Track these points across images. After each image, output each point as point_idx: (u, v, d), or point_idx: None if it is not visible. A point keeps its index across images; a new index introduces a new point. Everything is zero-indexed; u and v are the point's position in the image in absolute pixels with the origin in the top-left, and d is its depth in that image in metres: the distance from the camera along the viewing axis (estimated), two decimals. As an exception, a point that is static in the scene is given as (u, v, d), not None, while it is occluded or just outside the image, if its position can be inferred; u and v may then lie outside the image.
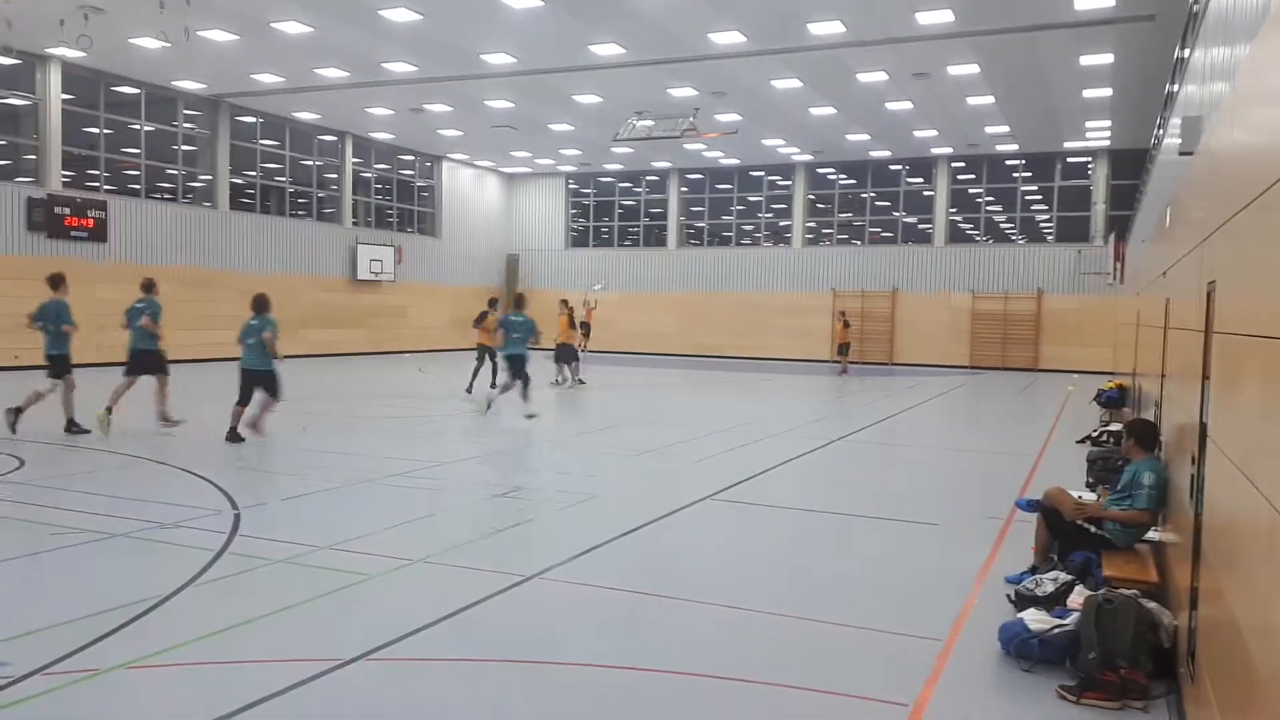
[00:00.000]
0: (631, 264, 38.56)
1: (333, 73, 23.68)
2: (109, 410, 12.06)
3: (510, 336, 15.30)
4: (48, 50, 22.55)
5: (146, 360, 12.58)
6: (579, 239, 40.37)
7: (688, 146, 32.05)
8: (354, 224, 32.92)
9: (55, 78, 23.50)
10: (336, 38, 20.45)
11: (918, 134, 29.38)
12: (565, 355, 21.49)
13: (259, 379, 11.95)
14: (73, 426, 12.06)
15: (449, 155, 36.48)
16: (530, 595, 6.04)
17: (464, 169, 38.06)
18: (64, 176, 23.94)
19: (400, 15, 18.72)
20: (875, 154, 33.35)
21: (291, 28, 19.80)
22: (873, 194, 35.47)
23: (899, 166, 34.68)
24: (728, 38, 19.74)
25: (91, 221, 24.09)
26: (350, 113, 28.71)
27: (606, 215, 40.04)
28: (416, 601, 5.84)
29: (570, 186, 40.18)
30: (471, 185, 38.69)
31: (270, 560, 6.60)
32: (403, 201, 35.74)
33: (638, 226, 39.46)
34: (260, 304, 12.11)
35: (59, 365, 12.21)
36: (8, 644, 4.86)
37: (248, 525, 7.54)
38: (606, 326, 35.99)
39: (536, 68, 22.51)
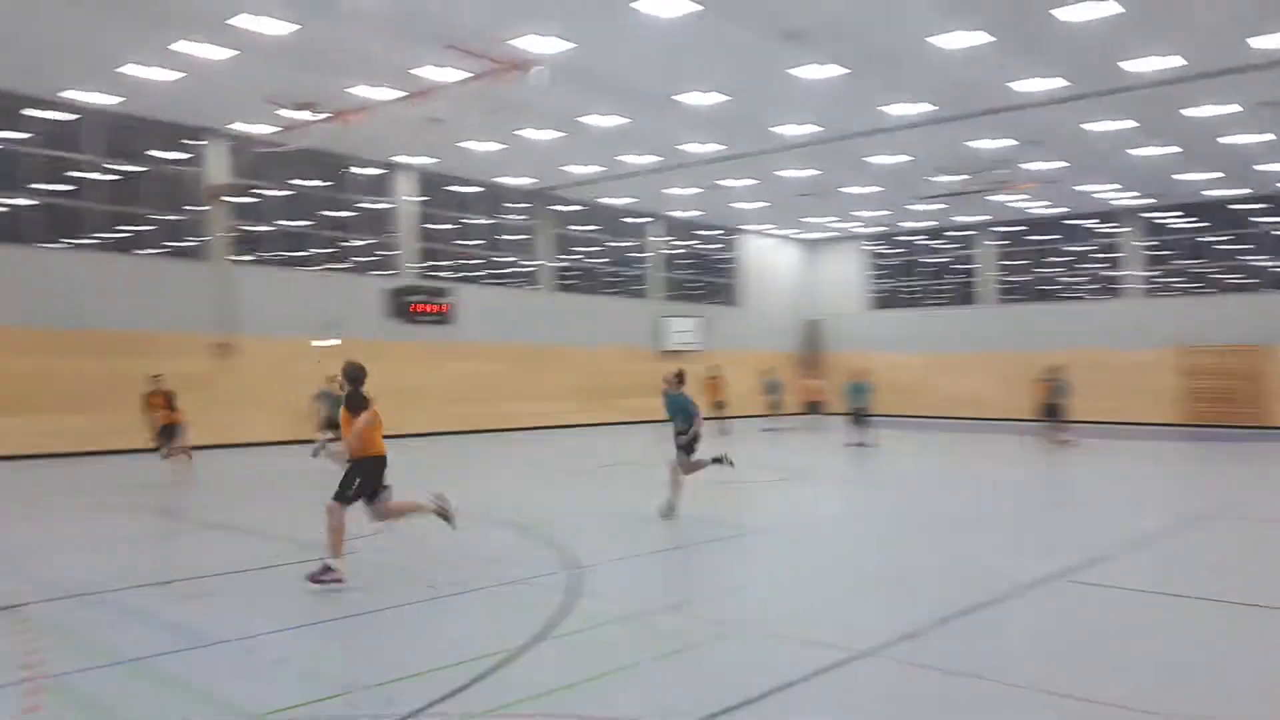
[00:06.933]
0: (939, 324, 37.12)
1: (639, 158, 25.15)
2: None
3: (858, 396, 21.77)
4: (401, 159, 25.86)
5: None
6: (881, 300, 39.58)
7: (999, 199, 30.57)
8: (660, 298, 34.48)
9: (407, 183, 26.86)
10: (644, 126, 21.74)
11: (1271, 168, 26.07)
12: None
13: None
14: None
15: (748, 226, 37.34)
16: (862, 674, 5.81)
17: (763, 239, 38.78)
18: (415, 269, 27.12)
19: (703, 99, 19.57)
20: (1217, 193, 29.96)
21: (604, 121, 21.32)
22: (1220, 237, 31.79)
23: (1253, 205, 30.83)
24: (1041, 84, 18.71)
25: (440, 307, 26.98)
26: (656, 194, 30.28)
27: (910, 275, 39.01)
28: (751, 669, 5.83)
29: (870, 248, 39.65)
30: (771, 254, 39.30)
31: (609, 619, 6.87)
32: (705, 274, 36.97)
33: (945, 285, 38.05)
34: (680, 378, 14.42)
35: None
36: (392, 685, 5.40)
37: (588, 584, 7.92)
38: (910, 391, 34.77)
39: (834, 134, 22.58)
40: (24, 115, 20.20)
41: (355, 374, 8.37)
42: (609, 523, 11.49)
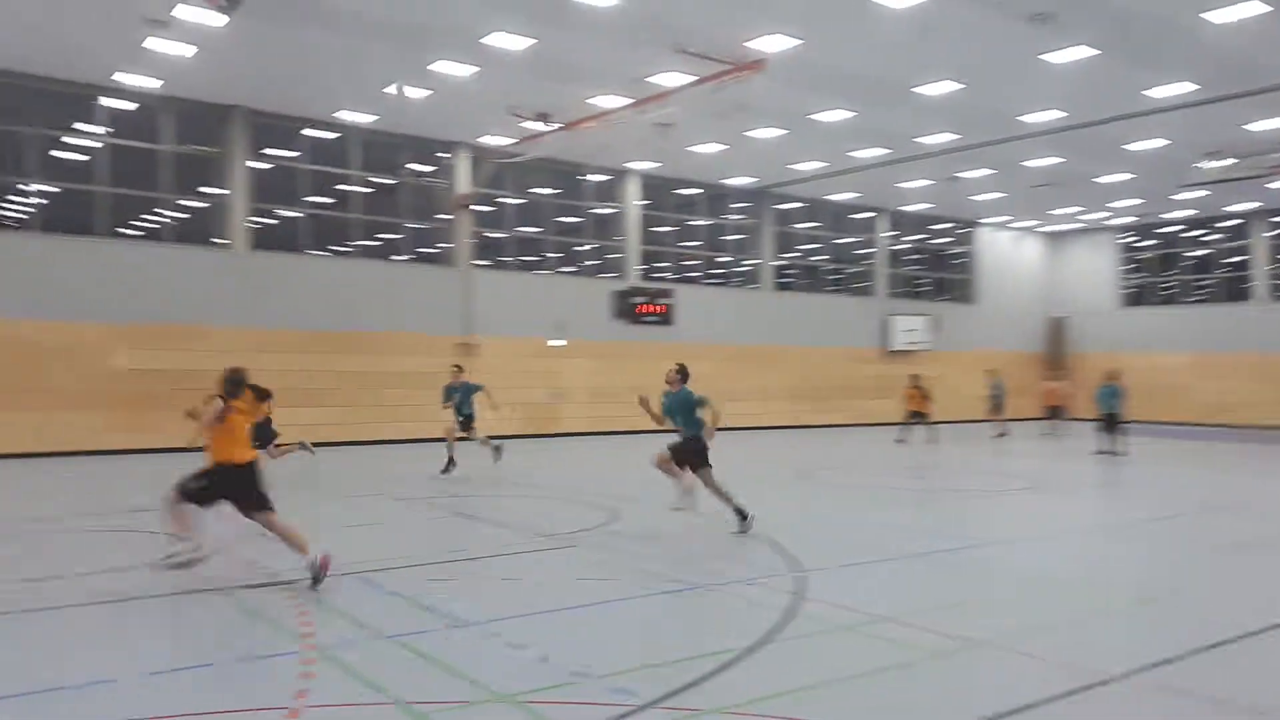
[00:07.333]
0: (1203, 322, 33.79)
1: (869, 152, 24.54)
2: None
3: (1108, 400, 20.11)
4: (629, 165, 26.56)
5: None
6: (1136, 296, 36.54)
7: (1277, 185, 27.44)
8: (886, 295, 33.49)
9: (634, 187, 27.56)
10: (874, 119, 21.18)
11: None
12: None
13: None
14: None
15: (985, 219, 35.55)
16: (1113, 699, 5.39)
17: (1001, 232, 36.80)
18: (640, 270, 27.79)
19: (939, 89, 18.83)
20: None
21: (832, 116, 20.95)
22: None
23: None
24: (1331, 52, 16.66)
25: (661, 308, 27.52)
26: (884, 188, 29.42)
27: (1169, 269, 35.79)
28: (986, 688, 5.57)
29: (1124, 240, 36.70)
30: (1009, 248, 37.22)
31: (836, 626, 6.76)
32: (936, 270, 35.55)
33: (1210, 279, 34.62)
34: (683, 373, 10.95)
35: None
36: (623, 675, 5.56)
37: (813, 588, 7.83)
38: (1169, 395, 31.89)
39: (1085, 120, 21.07)
40: (300, 135, 22.44)
41: (232, 381, 8.04)
42: (832, 528, 11.29)
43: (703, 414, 10.41)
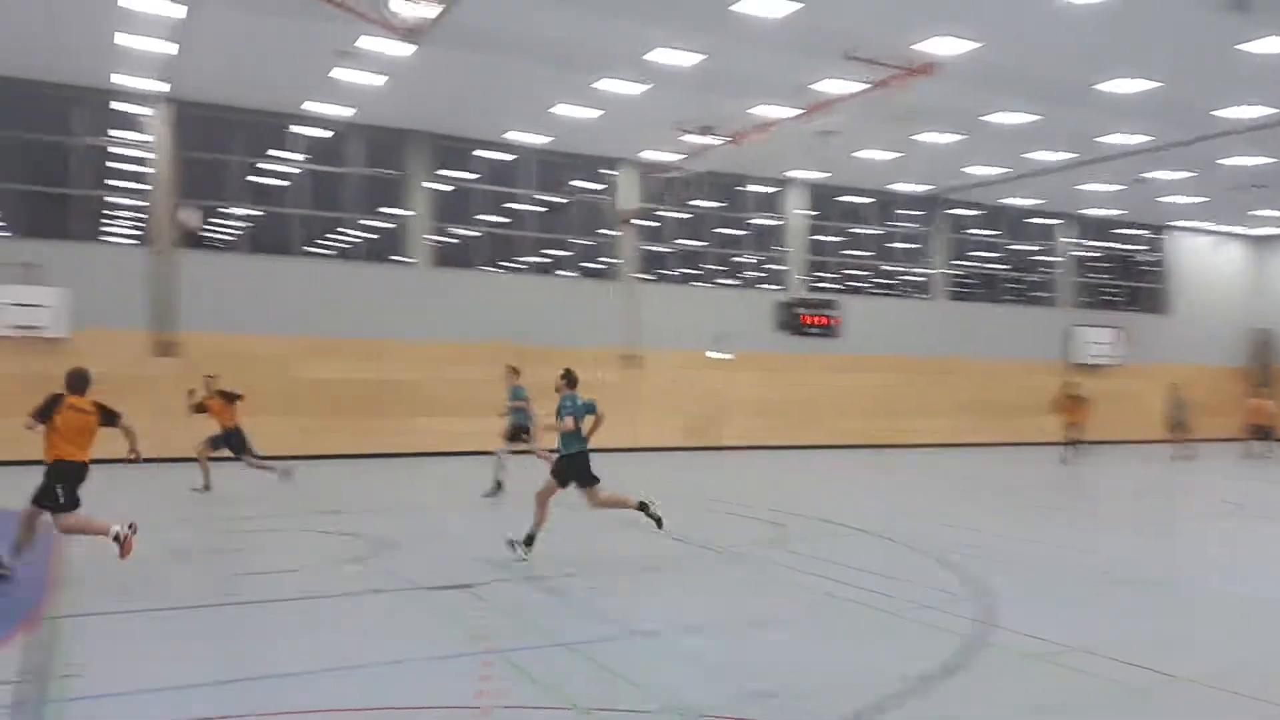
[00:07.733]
0: None
1: (1050, 155, 23.37)
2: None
3: None
4: (793, 175, 26.27)
5: None
6: (1357, 306, 33.19)
7: None
8: (1070, 306, 31.70)
9: (797, 197, 27.23)
10: (1056, 121, 20.16)
11: None
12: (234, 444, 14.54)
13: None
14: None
15: (1180, 223, 33.14)
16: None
17: (1197, 237, 34.19)
18: (804, 281, 27.41)
19: (1128, 86, 17.73)
20: None
21: (1010, 118, 20.08)
22: None
23: None
24: None
25: (825, 319, 27.08)
26: (1067, 192, 27.92)
27: (1397, 275, 32.34)
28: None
29: (1341, 244, 33.43)
30: (1207, 254, 34.51)
31: (1023, 654, 6.39)
32: (1124, 278, 33.40)
33: None
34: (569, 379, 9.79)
35: None
36: (809, 696, 5.44)
37: (998, 614, 7.44)
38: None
39: (1295, 113, 19.37)
40: (474, 156, 23.41)
41: (73, 380, 8.05)
42: (1016, 551, 10.72)
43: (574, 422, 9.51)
